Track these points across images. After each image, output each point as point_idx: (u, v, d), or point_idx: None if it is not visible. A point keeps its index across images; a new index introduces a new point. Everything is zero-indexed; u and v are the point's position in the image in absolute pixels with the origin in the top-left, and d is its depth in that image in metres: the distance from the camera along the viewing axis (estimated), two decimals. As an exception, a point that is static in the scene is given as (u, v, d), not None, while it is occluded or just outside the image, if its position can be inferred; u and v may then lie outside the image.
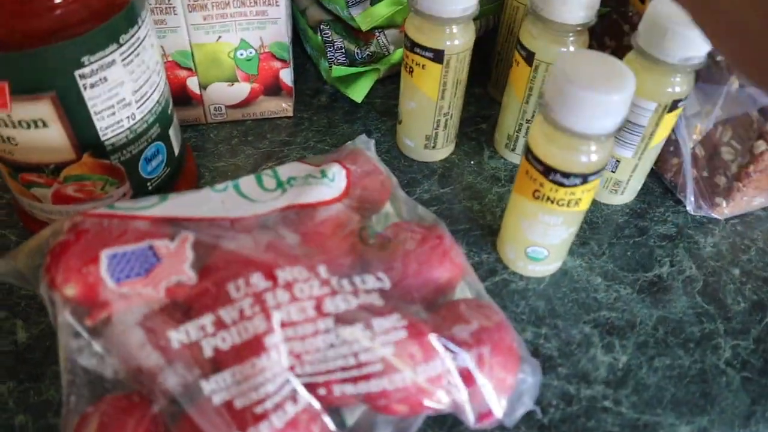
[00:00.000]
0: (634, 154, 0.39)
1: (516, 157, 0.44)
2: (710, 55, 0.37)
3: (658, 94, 0.36)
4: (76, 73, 0.29)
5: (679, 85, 0.36)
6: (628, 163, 0.40)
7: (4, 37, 0.27)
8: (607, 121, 0.30)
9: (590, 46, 0.51)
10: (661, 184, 0.45)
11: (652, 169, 0.45)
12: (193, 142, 0.43)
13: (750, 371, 0.34)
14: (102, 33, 0.29)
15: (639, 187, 0.43)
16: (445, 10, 0.36)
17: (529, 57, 0.39)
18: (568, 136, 0.30)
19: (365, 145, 0.38)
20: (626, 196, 0.43)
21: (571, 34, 0.38)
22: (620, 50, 0.45)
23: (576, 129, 0.30)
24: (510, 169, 0.44)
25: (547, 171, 0.32)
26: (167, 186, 0.37)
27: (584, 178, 0.32)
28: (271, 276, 0.27)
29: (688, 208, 0.42)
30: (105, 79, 0.30)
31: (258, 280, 0.26)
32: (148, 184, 0.36)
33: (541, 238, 0.35)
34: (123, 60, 0.31)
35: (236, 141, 0.44)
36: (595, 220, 0.41)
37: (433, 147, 0.43)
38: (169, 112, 0.36)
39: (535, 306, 0.36)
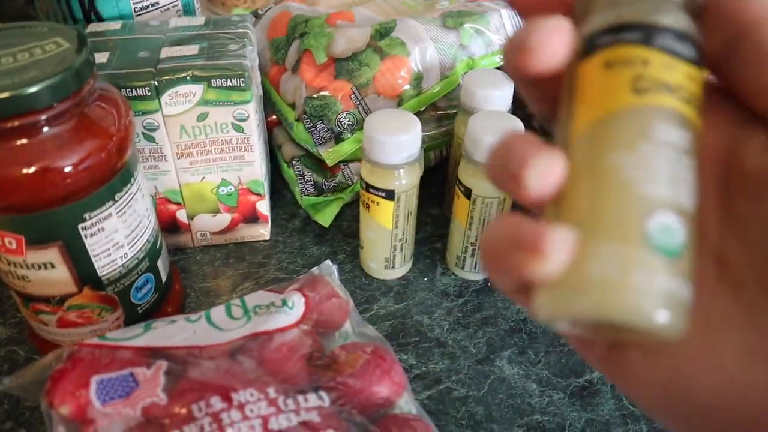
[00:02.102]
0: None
1: (464, 274, 0.50)
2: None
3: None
4: (79, 226, 0.36)
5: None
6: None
7: (24, 204, 0.34)
8: None
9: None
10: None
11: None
12: (182, 264, 0.50)
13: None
14: (101, 195, 0.36)
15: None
16: (392, 159, 0.43)
17: (467, 192, 0.45)
18: None
19: (327, 271, 0.44)
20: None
21: (500, 173, 0.44)
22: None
23: None
24: (459, 285, 0.49)
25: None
26: (156, 308, 0.44)
27: None
28: (227, 398, 0.32)
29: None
30: (102, 228, 0.37)
31: (216, 402, 0.32)
32: (138, 308, 0.42)
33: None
34: (117, 212, 0.37)
35: (219, 263, 0.50)
36: (534, 330, 0.47)
37: (392, 267, 0.49)
38: (158, 246, 0.43)
39: (474, 411, 0.41)
